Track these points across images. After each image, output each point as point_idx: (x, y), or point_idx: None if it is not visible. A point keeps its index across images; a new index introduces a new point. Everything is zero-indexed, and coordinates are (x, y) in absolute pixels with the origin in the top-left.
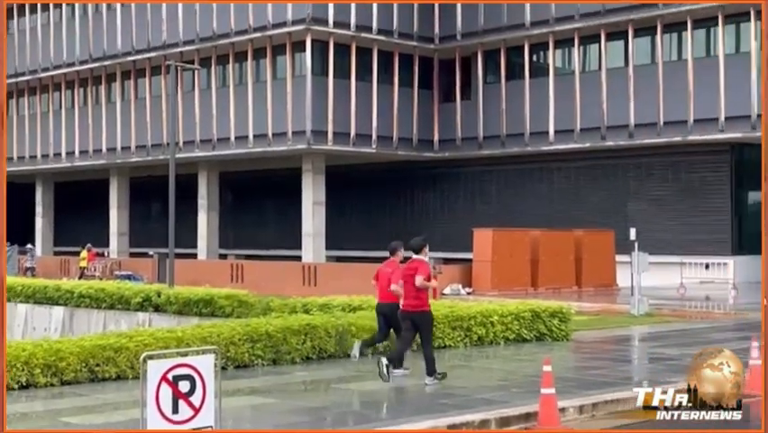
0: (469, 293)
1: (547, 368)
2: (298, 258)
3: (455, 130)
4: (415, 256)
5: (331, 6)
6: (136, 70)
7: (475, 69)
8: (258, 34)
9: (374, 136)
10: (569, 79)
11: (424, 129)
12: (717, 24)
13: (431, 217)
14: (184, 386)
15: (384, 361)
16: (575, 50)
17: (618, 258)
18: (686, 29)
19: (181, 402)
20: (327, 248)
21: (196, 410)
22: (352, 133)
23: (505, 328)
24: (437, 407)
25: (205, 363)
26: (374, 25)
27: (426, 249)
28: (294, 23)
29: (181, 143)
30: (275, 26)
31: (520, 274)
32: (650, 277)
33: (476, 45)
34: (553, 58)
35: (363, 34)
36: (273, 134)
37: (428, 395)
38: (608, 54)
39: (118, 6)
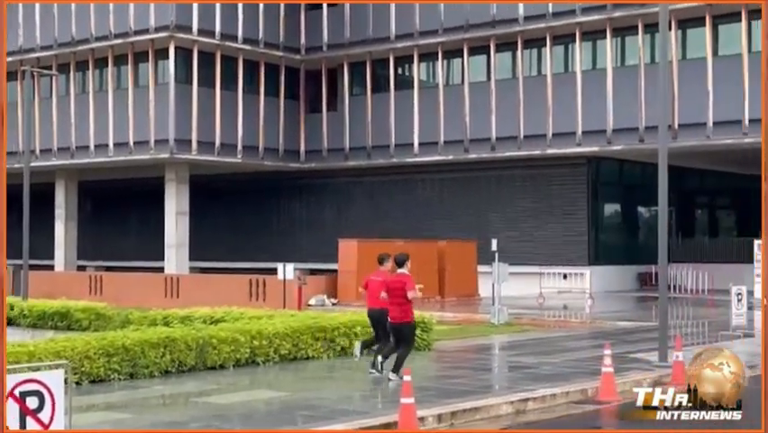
0: (334, 304)
1: (407, 378)
2: (161, 269)
3: (321, 141)
4: (399, 270)
5: (195, 14)
6: None
7: (341, 81)
8: (119, 41)
9: (239, 146)
10: (433, 92)
11: (290, 139)
12: (574, 41)
13: (297, 228)
14: (32, 402)
15: (379, 358)
16: (439, 64)
17: (481, 268)
18: (545, 45)
19: (29, 419)
20: (191, 259)
21: (46, 427)
22: (217, 142)
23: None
24: (298, 419)
25: (55, 379)
26: (239, 34)
27: (408, 263)
28: (157, 29)
29: (38, 151)
30: (137, 32)
31: None
32: (511, 287)
33: (342, 57)
34: (418, 71)
35: (228, 43)
36: (135, 143)
37: (290, 408)
38: (471, 68)
39: None
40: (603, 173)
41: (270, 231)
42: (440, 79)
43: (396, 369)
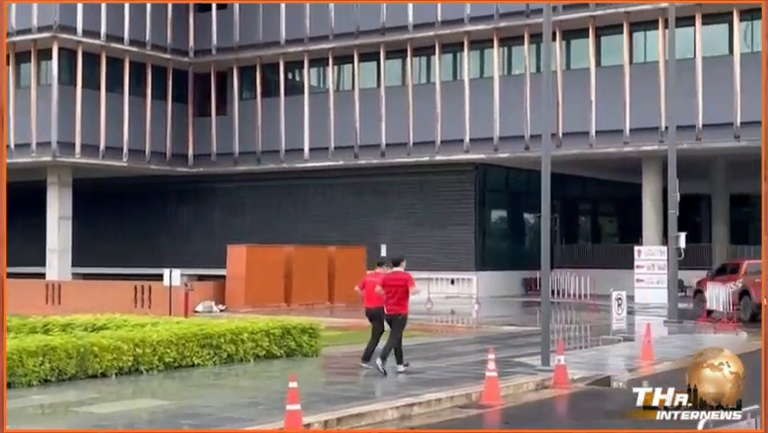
0: (222, 310)
1: (293, 384)
2: (42, 275)
3: (210, 145)
4: (395, 268)
5: (80, 14)
6: None
7: (231, 85)
8: None
9: (125, 149)
10: (323, 98)
11: (178, 143)
12: (462, 50)
13: (185, 233)
14: None
15: (378, 361)
16: (329, 70)
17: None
18: (434, 53)
19: None
20: (75, 265)
21: None
22: (102, 145)
23: (255, 345)
24: (182, 427)
25: None
26: (126, 35)
27: (404, 262)
28: (40, 29)
29: None
30: (19, 32)
31: (274, 291)
32: None
33: (232, 60)
34: (308, 76)
35: (114, 44)
36: (16, 145)
37: (174, 416)
38: (361, 75)
39: None
40: (490, 180)
41: (157, 236)
42: (330, 85)
43: (398, 360)
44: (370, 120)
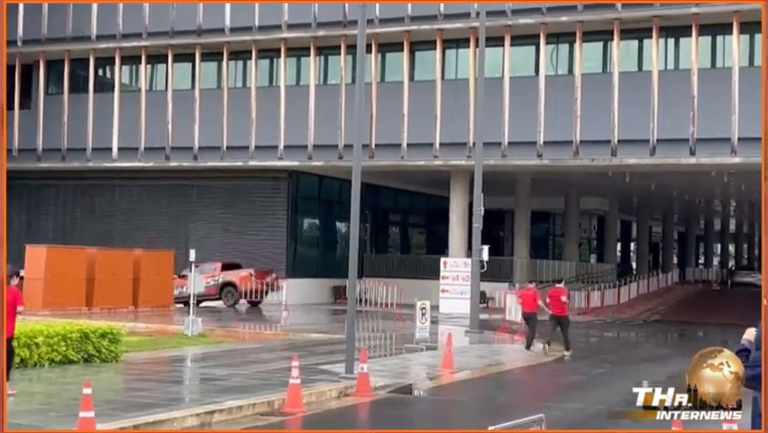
0: (18, 313)
1: (87, 391)
2: None
3: (12, 140)
4: (557, 285)
5: None
6: None
7: (36, 78)
8: None
9: None
10: (135, 97)
11: None
12: (279, 56)
13: None
14: None
15: (566, 353)
16: (142, 68)
17: None
18: (251, 58)
19: None
20: None
21: None
22: None
23: (51, 349)
24: None
25: None
26: None
27: (564, 281)
28: None
29: None
30: None
31: (75, 293)
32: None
33: (38, 53)
34: (120, 74)
35: None
36: None
37: None
38: (175, 75)
39: None
40: (303, 187)
41: None
42: (143, 84)
43: (567, 348)
44: (184, 122)
